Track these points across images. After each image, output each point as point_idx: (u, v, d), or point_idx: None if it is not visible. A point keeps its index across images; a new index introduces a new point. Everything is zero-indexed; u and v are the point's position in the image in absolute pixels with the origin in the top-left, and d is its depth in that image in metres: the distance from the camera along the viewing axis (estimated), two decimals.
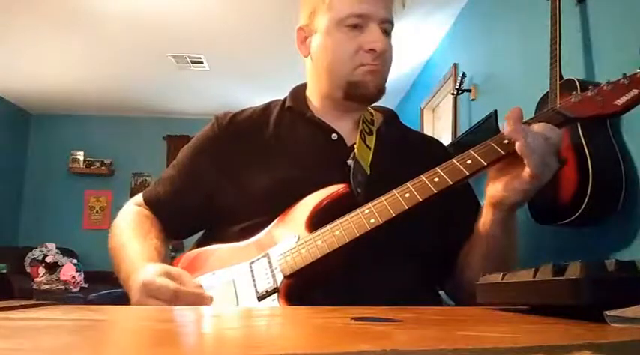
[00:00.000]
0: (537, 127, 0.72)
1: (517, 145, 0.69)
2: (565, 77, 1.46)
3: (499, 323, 0.43)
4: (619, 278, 0.35)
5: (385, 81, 0.93)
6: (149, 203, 0.99)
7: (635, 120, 1.33)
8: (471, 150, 0.75)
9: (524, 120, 0.74)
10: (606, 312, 0.34)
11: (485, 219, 0.82)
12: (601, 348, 0.25)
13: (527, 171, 0.70)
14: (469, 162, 0.74)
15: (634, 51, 1.31)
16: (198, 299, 0.72)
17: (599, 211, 1.35)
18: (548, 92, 1.50)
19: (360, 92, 0.91)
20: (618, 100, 0.72)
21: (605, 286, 0.35)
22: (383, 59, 0.90)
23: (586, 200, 1.31)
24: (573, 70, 1.52)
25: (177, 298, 0.70)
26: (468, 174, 0.73)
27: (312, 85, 0.99)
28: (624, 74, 0.73)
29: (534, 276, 0.41)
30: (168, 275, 0.73)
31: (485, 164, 0.73)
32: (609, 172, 1.33)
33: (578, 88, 1.37)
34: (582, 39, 1.59)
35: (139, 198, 1.02)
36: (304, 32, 0.97)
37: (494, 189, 0.78)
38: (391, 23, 0.92)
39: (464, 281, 0.88)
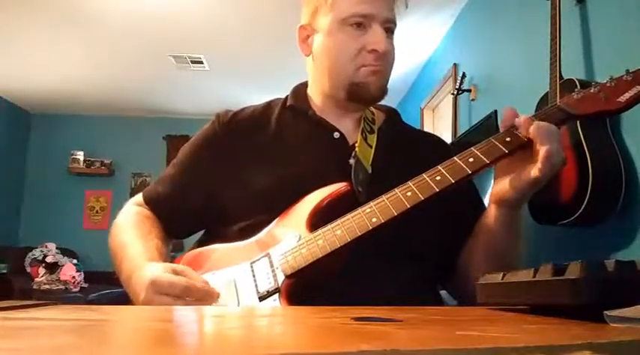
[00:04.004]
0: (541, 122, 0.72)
1: (532, 129, 0.69)
2: (565, 77, 1.46)
3: (499, 323, 0.43)
4: (619, 278, 0.35)
5: (387, 81, 0.93)
6: (149, 202, 0.99)
7: (636, 120, 1.33)
8: (473, 148, 0.74)
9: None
10: (606, 312, 0.34)
11: (489, 216, 0.82)
12: (601, 348, 0.25)
13: (537, 166, 0.70)
14: (471, 160, 0.73)
15: (634, 50, 1.31)
16: (208, 294, 0.73)
17: (599, 211, 1.35)
18: (548, 92, 1.50)
19: (362, 93, 0.91)
20: (622, 97, 0.71)
21: (605, 286, 0.35)
22: (385, 60, 0.90)
23: (586, 200, 1.31)
24: (573, 70, 1.52)
25: (188, 293, 0.70)
26: (470, 172, 0.72)
27: (314, 84, 0.99)
28: (627, 70, 0.73)
29: (534, 276, 0.41)
30: (174, 273, 0.73)
31: (488, 162, 0.72)
32: (609, 172, 1.33)
33: (579, 87, 1.37)
34: (582, 39, 1.59)
35: (138, 197, 1.02)
36: (306, 31, 0.96)
37: (497, 187, 0.78)
38: (394, 23, 0.91)
39: (468, 279, 0.88)
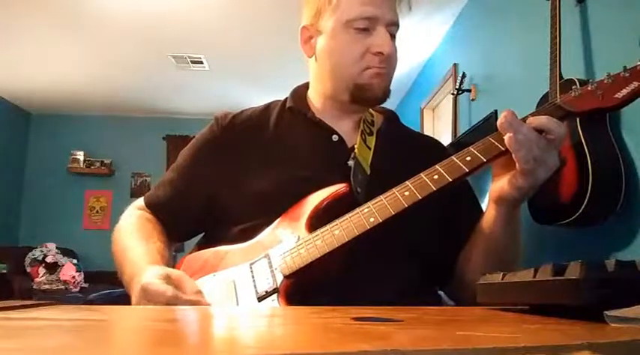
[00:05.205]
0: (536, 121, 0.71)
1: (505, 139, 0.69)
2: (565, 77, 1.46)
3: (499, 323, 0.43)
4: (619, 278, 0.35)
5: (390, 83, 0.93)
6: (150, 206, 0.99)
7: (636, 120, 1.33)
8: (470, 147, 0.75)
9: (522, 116, 0.73)
10: (606, 312, 0.34)
11: (488, 215, 0.82)
12: (601, 348, 0.25)
13: (517, 166, 0.70)
14: (468, 158, 0.73)
15: (634, 50, 1.31)
16: (195, 304, 0.72)
17: (599, 211, 1.35)
18: (548, 92, 1.50)
19: (366, 95, 0.91)
20: (619, 93, 0.71)
21: (605, 286, 0.35)
22: (389, 62, 0.90)
23: (586, 200, 1.31)
24: (573, 70, 1.52)
25: (174, 304, 0.69)
26: (467, 170, 0.72)
27: (316, 86, 0.99)
28: (624, 67, 0.72)
29: (534, 276, 0.41)
30: (168, 279, 0.72)
31: (485, 160, 0.72)
32: (609, 172, 1.33)
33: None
34: (582, 39, 1.59)
35: (140, 201, 1.02)
36: (309, 32, 0.95)
37: (495, 185, 0.78)
38: (397, 25, 0.91)
39: (465, 281, 0.88)
